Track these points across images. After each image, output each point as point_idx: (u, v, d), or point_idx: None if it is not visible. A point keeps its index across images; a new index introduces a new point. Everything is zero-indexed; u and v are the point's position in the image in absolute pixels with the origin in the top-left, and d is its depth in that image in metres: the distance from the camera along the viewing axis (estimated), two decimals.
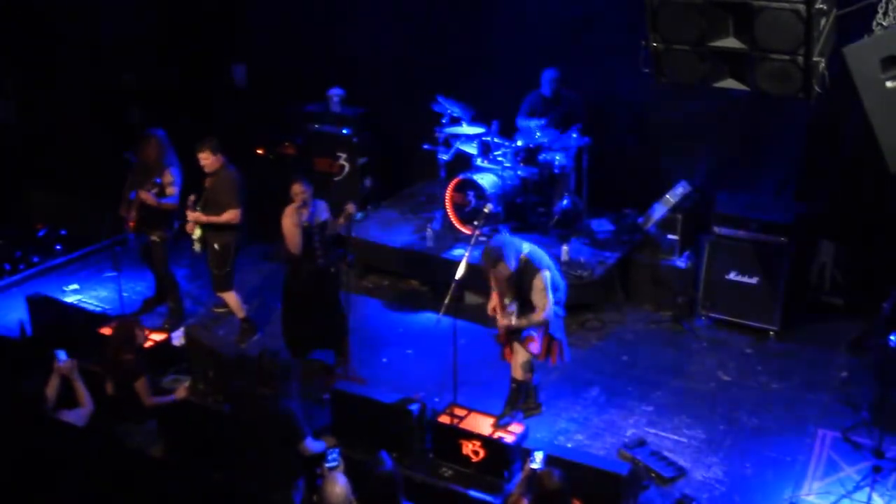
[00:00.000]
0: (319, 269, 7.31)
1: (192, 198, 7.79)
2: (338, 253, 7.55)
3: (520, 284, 6.48)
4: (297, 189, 7.10)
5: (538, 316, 6.42)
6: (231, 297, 8.12)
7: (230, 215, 7.73)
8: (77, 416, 5.90)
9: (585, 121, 9.14)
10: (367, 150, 10.23)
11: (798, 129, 8.53)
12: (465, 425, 6.48)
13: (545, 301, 6.42)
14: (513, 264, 6.34)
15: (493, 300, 6.75)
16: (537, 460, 5.38)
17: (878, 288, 7.72)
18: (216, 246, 7.87)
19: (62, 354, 6.04)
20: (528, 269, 6.43)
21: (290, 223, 7.17)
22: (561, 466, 5.22)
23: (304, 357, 7.60)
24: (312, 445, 5.72)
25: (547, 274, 6.44)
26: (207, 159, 7.72)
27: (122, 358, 6.30)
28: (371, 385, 7.32)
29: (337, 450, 5.30)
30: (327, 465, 5.20)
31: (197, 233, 7.87)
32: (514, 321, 6.48)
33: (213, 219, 7.74)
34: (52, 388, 6.03)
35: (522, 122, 9.25)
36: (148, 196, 7.84)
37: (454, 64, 9.98)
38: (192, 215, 7.71)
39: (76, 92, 10.84)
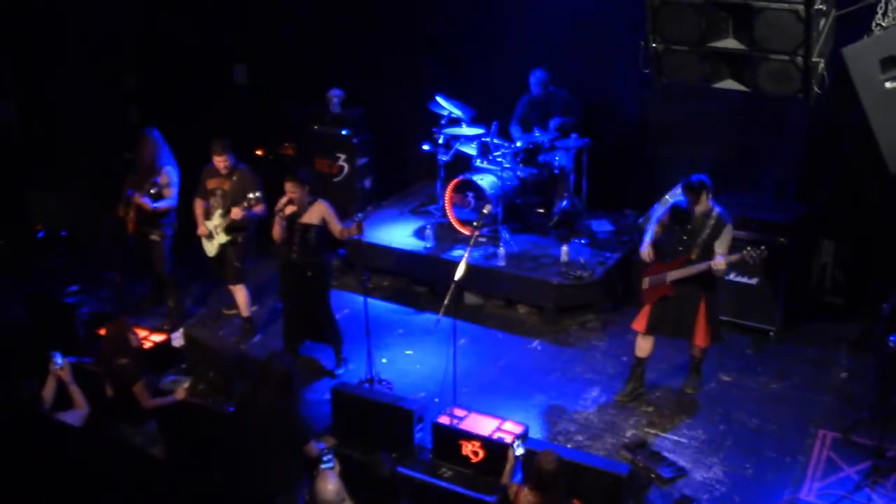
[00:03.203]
0: (292, 263, 7.33)
1: (199, 205, 7.84)
2: (327, 256, 7.52)
3: (709, 234, 6.70)
4: (287, 187, 7.19)
5: (721, 263, 6.61)
6: (242, 291, 8.15)
7: (261, 208, 7.76)
8: (73, 418, 5.90)
9: (579, 114, 9.14)
10: (367, 151, 10.23)
11: (798, 129, 8.53)
12: (464, 426, 6.48)
13: (729, 242, 6.69)
14: (711, 200, 6.72)
15: (647, 246, 6.93)
16: (519, 447, 5.44)
17: (878, 288, 7.72)
18: (240, 239, 7.94)
19: (58, 357, 6.04)
20: (718, 220, 6.73)
21: (276, 217, 7.29)
22: None
23: (294, 348, 7.63)
24: (316, 447, 5.72)
25: (731, 226, 6.76)
26: (225, 161, 7.75)
27: (118, 363, 6.28)
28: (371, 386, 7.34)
29: (332, 451, 5.30)
30: (322, 466, 5.20)
31: (221, 237, 7.88)
32: (723, 268, 6.63)
33: (256, 212, 7.73)
34: (49, 390, 6.03)
35: (515, 132, 9.26)
36: (143, 202, 7.85)
37: (454, 64, 9.98)
38: (237, 213, 7.65)
39: (76, 92, 10.83)
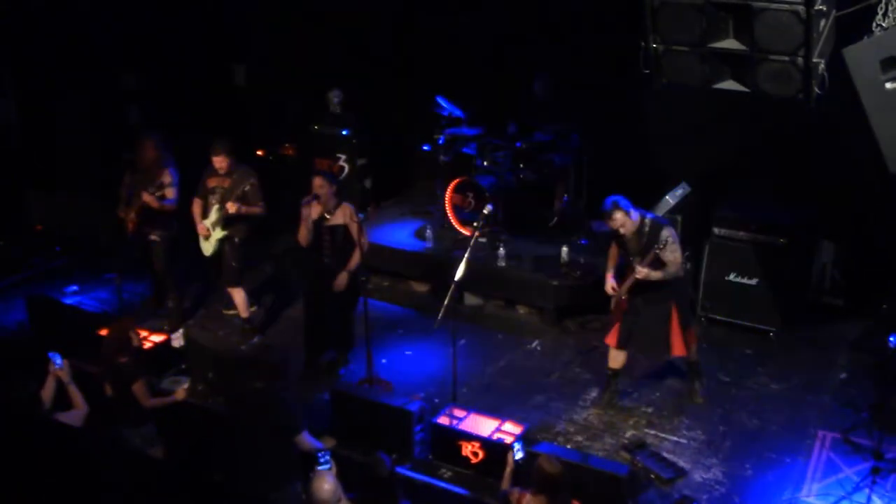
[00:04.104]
0: (325, 267, 7.26)
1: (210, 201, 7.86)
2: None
3: (647, 244, 6.60)
4: (315, 182, 7.10)
5: (672, 268, 6.59)
6: (240, 294, 8.15)
7: (259, 207, 7.81)
8: (72, 418, 5.91)
9: (579, 119, 9.15)
10: (367, 151, 10.23)
11: (798, 129, 8.52)
12: (464, 426, 6.48)
13: (677, 255, 6.61)
14: (634, 215, 6.59)
15: (609, 280, 6.86)
16: (518, 451, 5.43)
17: (878, 288, 7.72)
18: (236, 240, 7.95)
19: (57, 358, 6.05)
20: (653, 227, 6.60)
21: (304, 214, 7.19)
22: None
23: (318, 356, 7.58)
24: (310, 441, 5.72)
25: (672, 230, 6.65)
26: (224, 161, 7.77)
27: (118, 361, 6.29)
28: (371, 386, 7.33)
29: (328, 452, 5.31)
30: (319, 467, 5.20)
31: (218, 234, 7.88)
32: (650, 272, 6.55)
33: (252, 209, 7.78)
34: (48, 391, 6.04)
35: (517, 129, 9.28)
36: (151, 199, 7.85)
37: (455, 64, 9.97)
38: (232, 206, 7.67)
39: (76, 92, 10.84)
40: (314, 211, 7.16)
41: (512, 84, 9.52)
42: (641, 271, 6.55)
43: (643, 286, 6.69)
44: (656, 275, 6.58)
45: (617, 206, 6.55)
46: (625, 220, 6.57)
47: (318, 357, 7.62)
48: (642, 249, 6.61)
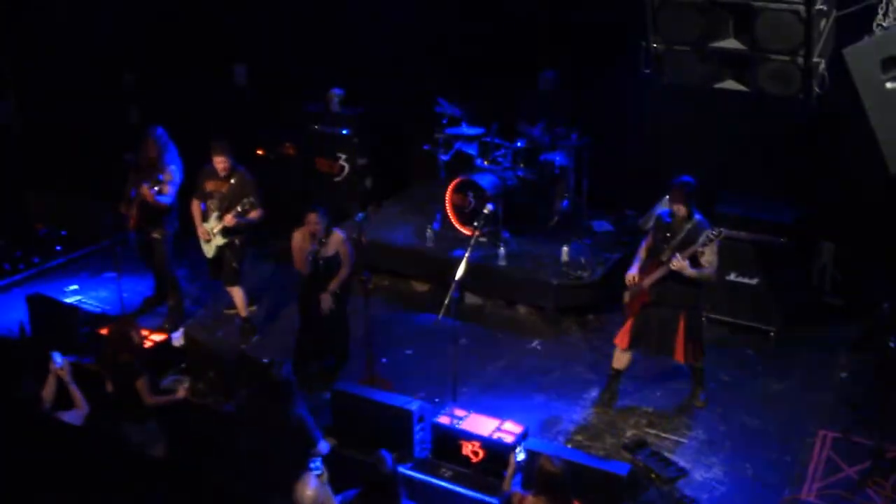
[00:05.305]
0: (317, 290, 7.25)
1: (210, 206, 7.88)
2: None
3: (685, 240, 6.59)
4: (311, 218, 7.10)
5: (707, 271, 6.60)
6: (239, 293, 8.15)
7: (258, 213, 7.82)
8: (73, 418, 5.91)
9: (580, 119, 9.15)
10: (367, 151, 10.23)
11: (798, 129, 8.53)
12: (464, 426, 6.48)
13: (715, 260, 6.61)
14: (692, 205, 6.63)
15: (633, 271, 6.83)
16: (521, 452, 5.43)
17: (878, 288, 7.71)
18: (237, 242, 7.96)
19: (58, 357, 6.05)
20: (698, 226, 6.60)
21: (297, 246, 7.22)
22: None
23: (307, 364, 7.53)
24: (324, 448, 5.72)
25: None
26: (225, 162, 7.76)
27: (121, 359, 6.29)
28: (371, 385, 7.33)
29: (320, 458, 5.31)
30: (308, 472, 5.19)
31: (219, 240, 7.88)
32: (685, 266, 6.51)
33: (251, 218, 7.79)
34: (48, 390, 6.04)
35: (521, 126, 9.27)
36: (148, 193, 7.83)
37: (455, 63, 9.98)
38: (230, 220, 7.70)
39: (76, 92, 10.83)
40: (309, 242, 7.17)
41: (514, 82, 9.52)
42: (678, 263, 6.51)
43: (662, 286, 6.68)
44: (690, 272, 6.54)
45: (690, 185, 6.60)
46: (685, 201, 6.59)
47: (308, 365, 7.54)
48: (680, 243, 6.60)
